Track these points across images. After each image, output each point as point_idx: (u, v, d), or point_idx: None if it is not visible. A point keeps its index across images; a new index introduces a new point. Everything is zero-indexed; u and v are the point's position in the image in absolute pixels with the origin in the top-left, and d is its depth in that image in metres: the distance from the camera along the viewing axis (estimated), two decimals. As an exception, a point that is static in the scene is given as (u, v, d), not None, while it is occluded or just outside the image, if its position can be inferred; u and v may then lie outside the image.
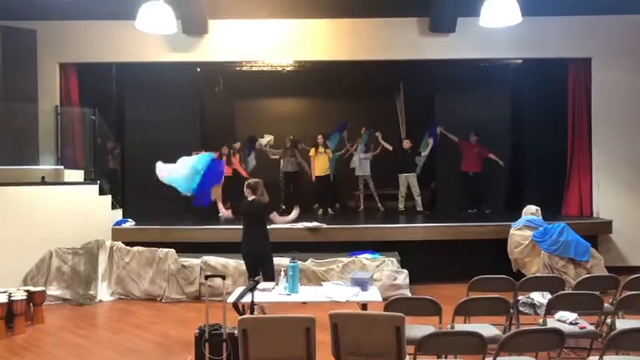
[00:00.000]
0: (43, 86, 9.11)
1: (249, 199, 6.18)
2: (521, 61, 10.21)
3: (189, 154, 10.96)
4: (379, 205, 11.35)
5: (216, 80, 12.37)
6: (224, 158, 10.54)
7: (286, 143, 11.60)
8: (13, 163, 8.21)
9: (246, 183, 6.31)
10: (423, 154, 10.85)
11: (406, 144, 10.83)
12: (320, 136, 10.84)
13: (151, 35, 8.81)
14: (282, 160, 11.47)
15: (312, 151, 10.88)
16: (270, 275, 5.79)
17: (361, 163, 11.29)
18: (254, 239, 6.13)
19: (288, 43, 9.46)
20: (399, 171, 10.79)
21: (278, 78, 11.26)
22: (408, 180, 10.70)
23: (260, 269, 5.89)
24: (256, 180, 6.31)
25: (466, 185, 10.68)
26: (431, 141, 10.76)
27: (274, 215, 6.30)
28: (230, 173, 10.84)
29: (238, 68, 10.67)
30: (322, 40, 9.43)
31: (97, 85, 9.76)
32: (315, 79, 11.54)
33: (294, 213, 6.45)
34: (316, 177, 10.81)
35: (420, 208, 10.66)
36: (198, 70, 10.90)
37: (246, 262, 6.29)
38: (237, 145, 11.27)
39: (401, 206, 10.92)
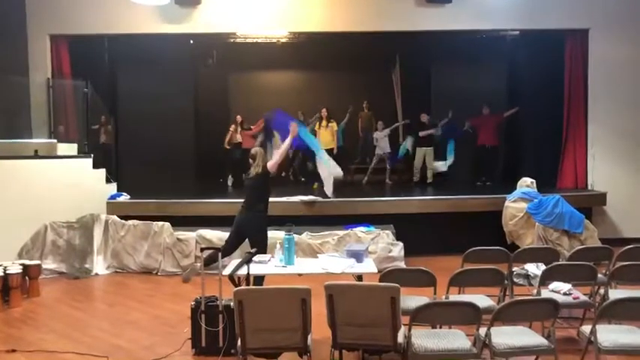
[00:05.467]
0: (34, 58, 9.00)
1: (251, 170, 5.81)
2: (518, 32, 10.12)
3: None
4: (387, 179, 11.43)
5: (210, 52, 12.22)
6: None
7: (298, 116, 11.61)
8: (5, 137, 8.10)
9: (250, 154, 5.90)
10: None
11: (424, 117, 10.88)
12: (324, 110, 10.75)
13: (143, 6, 8.71)
14: None
15: (316, 125, 10.82)
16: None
17: (382, 142, 11.35)
18: (246, 215, 5.73)
19: (282, 14, 9.31)
20: (418, 144, 10.92)
21: (272, 50, 11.14)
22: (426, 153, 10.88)
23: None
24: (256, 149, 5.95)
25: (482, 158, 10.71)
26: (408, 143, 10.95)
27: (270, 164, 5.69)
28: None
29: (232, 40, 10.53)
30: (317, 10, 9.29)
31: (89, 57, 9.65)
32: (310, 52, 11.43)
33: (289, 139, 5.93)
34: None
35: (430, 180, 10.91)
36: (192, 42, 10.77)
37: (232, 234, 5.92)
38: (239, 118, 11.24)
39: (415, 178, 11.13)
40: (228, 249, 5.89)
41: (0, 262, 6.47)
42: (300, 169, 11.91)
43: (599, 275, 4.80)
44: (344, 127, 11.49)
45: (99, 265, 7.76)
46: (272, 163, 5.75)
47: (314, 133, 10.89)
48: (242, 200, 5.91)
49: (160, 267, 7.70)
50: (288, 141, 5.97)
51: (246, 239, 5.79)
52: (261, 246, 5.47)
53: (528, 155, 10.62)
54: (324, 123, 10.65)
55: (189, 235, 7.76)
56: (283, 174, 11.84)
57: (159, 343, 4.98)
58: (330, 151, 10.62)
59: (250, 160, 5.81)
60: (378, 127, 11.49)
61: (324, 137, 10.67)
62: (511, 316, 3.72)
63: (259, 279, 5.02)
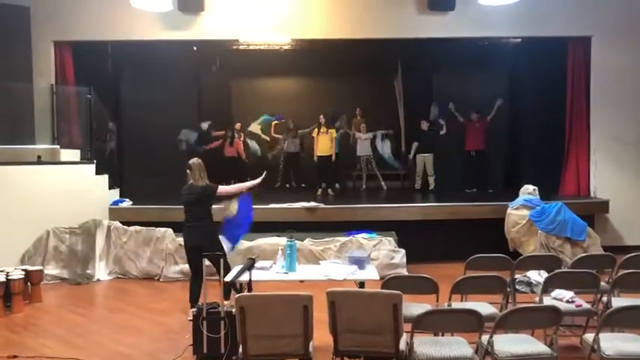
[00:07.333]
0: (38, 65, 9.00)
1: (188, 182, 5.71)
2: (520, 39, 10.13)
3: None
4: (382, 184, 11.40)
5: (213, 59, 12.26)
6: (227, 141, 10.90)
7: (289, 124, 11.63)
8: (8, 143, 8.14)
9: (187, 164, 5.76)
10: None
11: (423, 124, 10.88)
12: (322, 116, 10.77)
13: (147, 13, 8.73)
14: (285, 141, 11.58)
15: (314, 132, 10.83)
16: (227, 269, 4.96)
17: (361, 144, 11.31)
18: (196, 231, 5.63)
19: (285, 21, 9.31)
20: (417, 151, 10.95)
21: (275, 57, 11.17)
22: (425, 160, 10.88)
23: (214, 266, 5.20)
24: (194, 161, 5.74)
25: (468, 164, 10.77)
26: None
27: (222, 189, 5.77)
28: (234, 154, 10.97)
29: (235, 47, 10.56)
30: (319, 18, 9.30)
31: (92, 63, 9.66)
32: (313, 58, 11.44)
33: (258, 179, 6.01)
34: (318, 157, 10.73)
35: (432, 187, 10.88)
36: (195, 48, 10.80)
37: (189, 256, 5.73)
38: (238, 125, 11.32)
39: (417, 185, 11.11)
40: (198, 271, 5.32)
41: (2, 268, 6.48)
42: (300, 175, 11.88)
43: (602, 283, 4.78)
44: (340, 136, 11.44)
45: (101, 271, 7.76)
46: (225, 190, 5.80)
47: (312, 139, 10.90)
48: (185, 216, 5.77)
49: (162, 273, 7.70)
50: (249, 184, 6.00)
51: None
52: (224, 259, 5.31)
53: (530, 162, 10.59)
54: (322, 129, 10.64)
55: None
56: (288, 185, 11.87)
57: (160, 350, 4.99)
58: (328, 158, 10.66)
59: (187, 171, 5.74)
60: (361, 128, 11.41)
61: (323, 143, 10.62)
62: (513, 323, 3.71)
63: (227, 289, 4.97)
